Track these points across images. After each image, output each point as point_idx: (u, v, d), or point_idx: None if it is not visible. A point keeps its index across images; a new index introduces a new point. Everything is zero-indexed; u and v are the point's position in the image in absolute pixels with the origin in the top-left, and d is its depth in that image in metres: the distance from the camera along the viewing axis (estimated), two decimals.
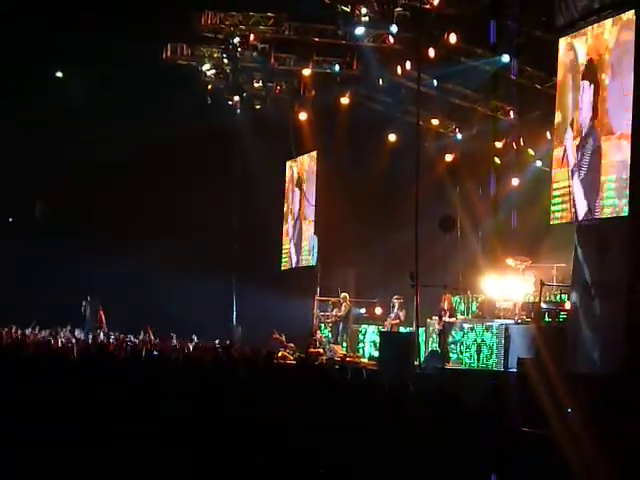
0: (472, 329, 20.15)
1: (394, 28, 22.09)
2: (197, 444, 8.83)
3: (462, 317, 21.60)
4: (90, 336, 24.88)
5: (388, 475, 8.20)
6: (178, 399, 9.88)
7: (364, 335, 24.19)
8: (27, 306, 26.17)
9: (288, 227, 31.36)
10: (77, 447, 8.54)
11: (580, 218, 16.71)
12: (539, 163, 23.53)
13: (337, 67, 25.47)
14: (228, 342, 22.84)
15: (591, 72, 16.80)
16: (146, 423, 9.23)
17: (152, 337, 23.37)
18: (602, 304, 13.95)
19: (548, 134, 21.50)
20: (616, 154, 15.85)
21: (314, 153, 29.49)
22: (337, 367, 14.88)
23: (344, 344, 23.94)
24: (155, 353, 17.01)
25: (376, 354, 21.83)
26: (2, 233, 29.61)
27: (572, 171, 17.31)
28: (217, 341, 22.62)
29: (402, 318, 22.54)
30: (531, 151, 23.93)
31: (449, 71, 23.03)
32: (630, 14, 15.47)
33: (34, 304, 26.36)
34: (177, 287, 28.63)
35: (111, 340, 23.39)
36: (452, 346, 20.62)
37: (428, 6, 21.24)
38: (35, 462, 8.36)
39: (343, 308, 24.28)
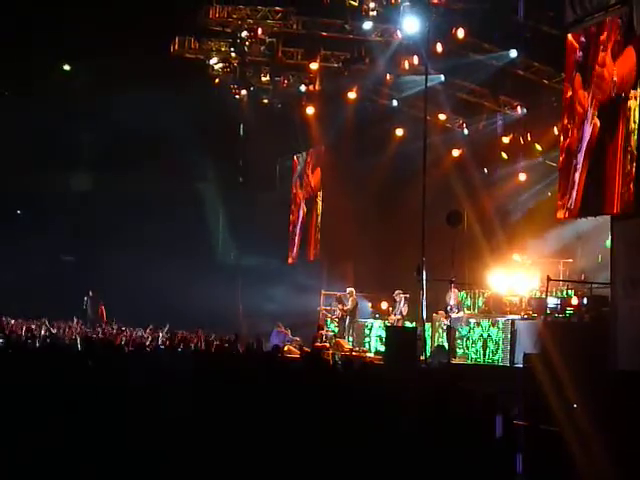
0: (478, 324, 20.15)
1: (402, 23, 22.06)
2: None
3: (468, 312, 21.59)
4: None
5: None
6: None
7: (370, 330, 24.18)
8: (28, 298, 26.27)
9: (294, 220, 31.36)
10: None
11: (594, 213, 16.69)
12: (545, 158, 23.49)
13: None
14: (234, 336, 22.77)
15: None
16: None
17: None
18: None
19: (555, 129, 21.47)
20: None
21: (321, 147, 29.48)
22: (340, 362, 14.79)
23: (350, 339, 23.94)
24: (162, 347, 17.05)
25: (382, 349, 21.84)
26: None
27: (581, 166, 17.31)
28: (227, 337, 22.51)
29: (405, 313, 22.55)
30: (538, 146, 23.90)
31: (457, 66, 22.99)
32: None
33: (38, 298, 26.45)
34: (184, 280, 28.66)
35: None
36: (458, 341, 20.61)
37: (436, 1, 21.20)
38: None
39: (350, 303, 24.25)
